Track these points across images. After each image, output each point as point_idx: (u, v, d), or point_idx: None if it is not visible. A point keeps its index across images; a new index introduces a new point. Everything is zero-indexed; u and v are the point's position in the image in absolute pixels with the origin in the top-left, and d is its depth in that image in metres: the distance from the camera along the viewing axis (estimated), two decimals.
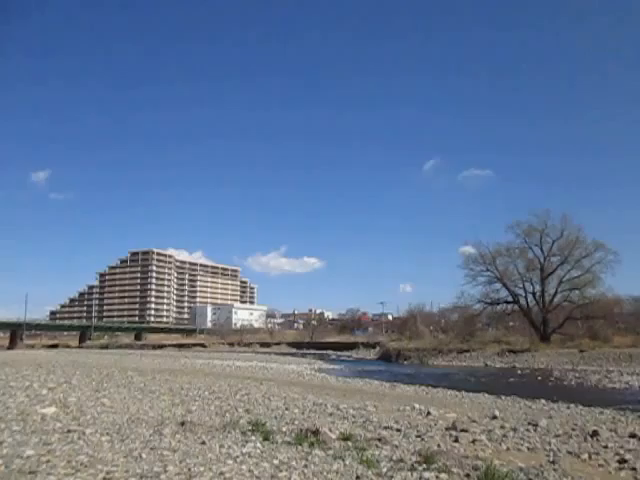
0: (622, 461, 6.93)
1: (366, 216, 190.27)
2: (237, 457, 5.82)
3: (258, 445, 6.53)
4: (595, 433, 8.98)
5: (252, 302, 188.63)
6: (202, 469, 5.19)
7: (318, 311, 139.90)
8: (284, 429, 8.17)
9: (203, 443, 6.54)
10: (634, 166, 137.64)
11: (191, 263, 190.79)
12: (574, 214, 60.20)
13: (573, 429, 9.66)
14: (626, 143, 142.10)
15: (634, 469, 6.49)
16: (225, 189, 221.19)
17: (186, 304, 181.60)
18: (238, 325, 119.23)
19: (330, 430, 8.10)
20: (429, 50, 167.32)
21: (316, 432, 7.46)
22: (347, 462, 5.79)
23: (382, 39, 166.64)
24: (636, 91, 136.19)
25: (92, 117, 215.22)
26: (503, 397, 16.69)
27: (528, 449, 7.73)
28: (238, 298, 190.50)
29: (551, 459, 6.94)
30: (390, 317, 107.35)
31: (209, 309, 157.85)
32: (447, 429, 9.28)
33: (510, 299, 49.24)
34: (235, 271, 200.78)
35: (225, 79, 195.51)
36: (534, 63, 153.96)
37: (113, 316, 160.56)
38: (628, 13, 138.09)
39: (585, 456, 7.24)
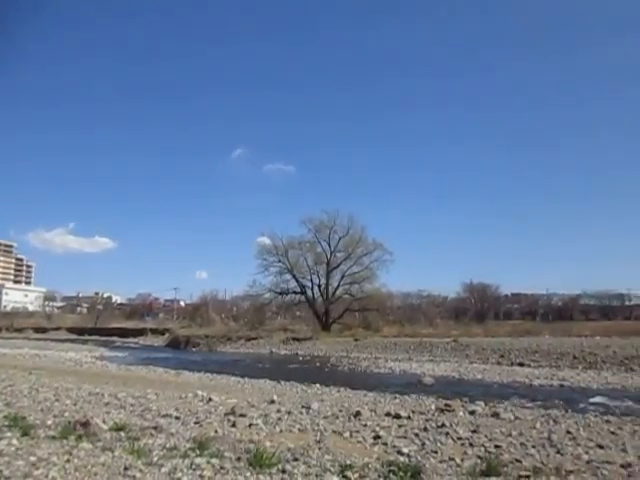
0: (377, 437, 7.80)
1: (166, 199, 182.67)
2: None
3: (14, 442, 5.89)
4: (358, 413, 9.95)
5: (28, 282, 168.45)
6: None
7: (106, 295, 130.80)
8: (49, 422, 7.54)
9: None
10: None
11: None
12: (361, 214, 65.93)
13: (340, 410, 10.55)
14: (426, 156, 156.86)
15: (385, 444, 7.35)
16: (8, 155, 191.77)
17: None
18: (9, 308, 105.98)
19: (104, 421, 7.73)
20: (250, 38, 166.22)
21: (86, 424, 7.02)
22: (116, 453, 5.58)
23: (190, 19, 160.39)
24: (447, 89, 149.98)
25: None
26: (283, 382, 17.55)
27: (299, 430, 8.25)
28: (11, 277, 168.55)
29: (318, 438, 7.50)
30: (183, 303, 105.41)
31: None
32: (226, 415, 9.48)
33: (298, 290, 51.99)
34: (9, 246, 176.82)
35: None
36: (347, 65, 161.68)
37: None
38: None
39: (347, 434, 7.98)
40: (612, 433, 8.74)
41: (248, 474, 5.13)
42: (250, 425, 8.40)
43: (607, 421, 10.13)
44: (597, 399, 14.48)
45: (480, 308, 70.00)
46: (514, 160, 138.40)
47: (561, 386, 17.83)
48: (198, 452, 5.84)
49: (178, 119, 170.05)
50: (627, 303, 69.69)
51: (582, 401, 14.06)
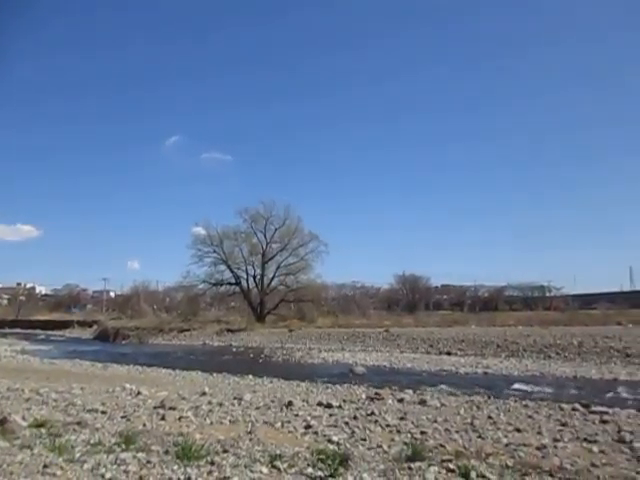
0: (308, 427, 7.89)
1: (96, 187, 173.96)
2: None
3: None
4: (290, 404, 10.03)
5: None
6: None
7: (29, 285, 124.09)
8: None
9: None
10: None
11: None
12: (297, 205, 65.98)
13: (272, 401, 10.59)
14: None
15: (316, 433, 7.45)
16: None
17: None
18: None
19: (23, 417, 7.41)
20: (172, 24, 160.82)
21: (3, 421, 6.69)
22: (35, 451, 5.34)
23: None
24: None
25: None
26: (215, 374, 17.38)
27: (230, 422, 8.20)
28: None
29: (249, 430, 7.49)
30: (113, 294, 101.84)
31: None
32: (155, 408, 9.29)
33: (233, 281, 51.50)
34: None
35: None
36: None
37: None
38: None
39: (279, 425, 8.02)
40: (529, 417, 9.26)
41: (175, 467, 5.04)
42: (180, 418, 8.28)
43: (525, 406, 10.70)
44: (517, 385, 15.27)
45: (411, 299, 71.95)
46: (445, 154, 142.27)
47: (485, 374, 18.65)
48: (124, 447, 5.69)
49: (111, 105, 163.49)
50: (547, 294, 73.40)
51: (504, 387, 14.80)
